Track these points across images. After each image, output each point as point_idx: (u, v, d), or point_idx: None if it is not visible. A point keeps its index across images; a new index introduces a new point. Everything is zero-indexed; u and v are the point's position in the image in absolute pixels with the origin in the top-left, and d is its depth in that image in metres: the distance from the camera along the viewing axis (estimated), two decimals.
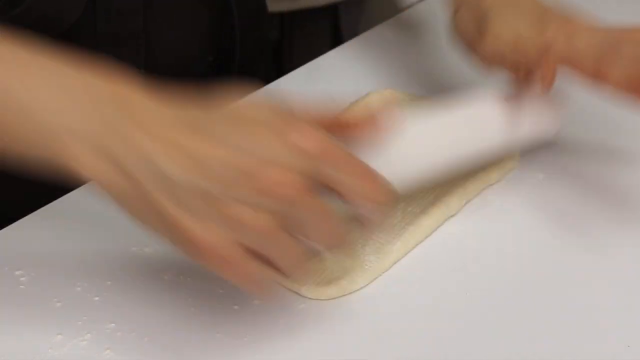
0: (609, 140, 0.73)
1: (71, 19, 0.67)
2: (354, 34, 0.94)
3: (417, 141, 0.58)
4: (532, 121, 0.64)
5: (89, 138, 0.46)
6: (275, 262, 0.47)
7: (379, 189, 0.49)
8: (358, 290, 0.57)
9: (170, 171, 0.44)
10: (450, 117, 0.62)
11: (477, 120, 0.62)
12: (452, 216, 0.63)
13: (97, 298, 0.56)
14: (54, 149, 0.46)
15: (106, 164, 0.46)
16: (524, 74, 0.64)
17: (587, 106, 0.77)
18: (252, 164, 0.44)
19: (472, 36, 0.67)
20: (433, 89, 0.79)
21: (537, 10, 0.65)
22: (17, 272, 0.58)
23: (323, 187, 0.47)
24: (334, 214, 0.47)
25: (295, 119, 0.47)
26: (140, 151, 0.45)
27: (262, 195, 0.44)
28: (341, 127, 0.52)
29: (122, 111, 0.46)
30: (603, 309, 0.56)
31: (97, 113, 0.46)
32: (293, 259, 0.48)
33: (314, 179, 0.46)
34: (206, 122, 0.46)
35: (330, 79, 0.83)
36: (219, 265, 0.46)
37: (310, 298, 0.56)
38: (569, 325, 0.55)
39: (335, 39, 1.00)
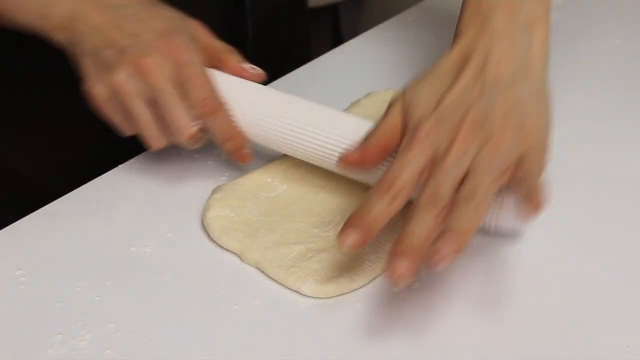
0: (609, 140, 0.73)
1: None
2: (354, 34, 0.94)
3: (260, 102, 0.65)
4: None
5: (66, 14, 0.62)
6: (165, 121, 0.62)
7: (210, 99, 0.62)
8: (358, 289, 0.57)
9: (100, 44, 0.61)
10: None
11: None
12: None
13: (97, 298, 0.56)
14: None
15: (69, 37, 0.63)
16: None
17: (587, 106, 0.77)
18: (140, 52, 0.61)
19: None
20: None
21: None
22: (17, 272, 0.58)
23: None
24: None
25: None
26: (93, 29, 0.62)
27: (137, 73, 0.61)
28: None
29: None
30: (603, 309, 0.56)
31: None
32: (176, 119, 0.62)
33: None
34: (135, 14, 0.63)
35: (330, 79, 0.83)
36: (98, 108, 0.63)
37: (310, 297, 0.56)
38: (569, 325, 0.55)
39: (335, 39, 1.00)
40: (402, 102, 0.57)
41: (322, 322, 0.55)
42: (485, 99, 0.54)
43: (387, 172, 0.53)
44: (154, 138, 0.63)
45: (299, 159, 0.68)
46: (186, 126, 0.62)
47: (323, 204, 0.64)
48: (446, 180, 0.52)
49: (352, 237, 0.51)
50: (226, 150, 0.65)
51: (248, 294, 0.57)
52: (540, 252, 0.61)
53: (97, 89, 0.62)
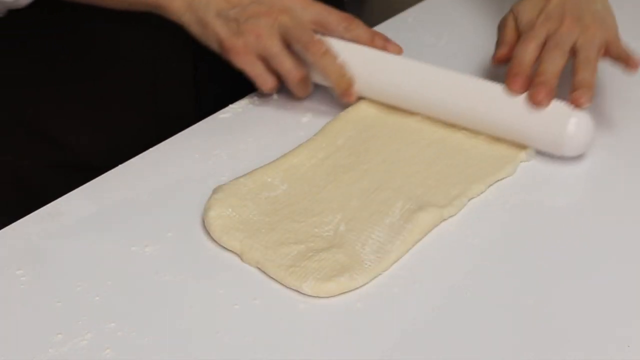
0: (609, 139, 0.73)
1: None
2: None
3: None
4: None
5: None
6: (282, 76, 0.73)
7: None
8: (358, 288, 0.57)
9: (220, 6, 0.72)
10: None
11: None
12: (452, 216, 0.63)
13: (97, 298, 0.56)
14: None
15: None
16: None
17: (589, 106, 0.77)
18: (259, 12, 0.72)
19: None
20: None
21: None
22: (17, 272, 0.58)
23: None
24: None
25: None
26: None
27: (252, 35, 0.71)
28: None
29: None
30: (603, 309, 0.56)
31: None
32: (291, 74, 0.72)
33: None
34: None
35: None
36: (236, 56, 0.72)
37: (310, 296, 0.56)
38: (570, 325, 0.55)
39: None
40: (512, 15, 0.76)
41: (321, 323, 0.55)
42: (576, 6, 0.73)
43: (516, 51, 0.72)
44: (293, 74, 0.72)
45: (299, 159, 0.68)
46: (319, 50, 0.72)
47: (323, 204, 0.64)
48: (563, 39, 0.71)
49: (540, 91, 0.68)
50: (338, 88, 0.73)
51: (248, 294, 0.57)
52: (540, 252, 0.61)
53: (239, 42, 0.71)
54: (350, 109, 0.75)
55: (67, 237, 0.62)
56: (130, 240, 0.61)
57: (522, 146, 0.69)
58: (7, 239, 0.62)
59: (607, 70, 0.77)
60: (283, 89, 0.76)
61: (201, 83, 0.82)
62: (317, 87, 0.77)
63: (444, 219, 0.63)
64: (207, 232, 0.61)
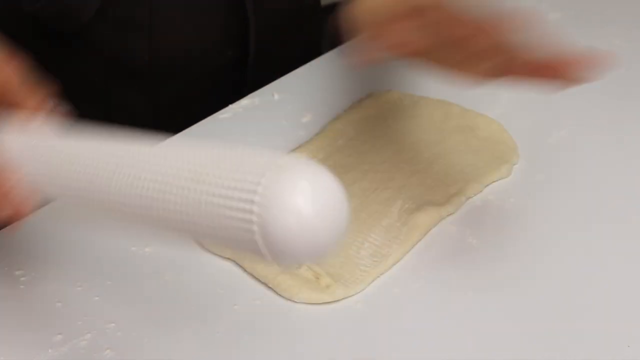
0: (609, 139, 0.73)
1: (92, 9, 0.72)
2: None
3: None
4: None
5: None
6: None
7: None
8: (357, 293, 0.57)
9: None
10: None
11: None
12: (450, 215, 0.63)
13: (97, 298, 0.56)
14: None
15: None
16: None
17: (587, 106, 0.77)
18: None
19: None
20: (433, 89, 0.79)
21: None
22: (17, 272, 0.58)
23: None
24: None
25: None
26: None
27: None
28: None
29: None
30: (603, 309, 0.56)
31: None
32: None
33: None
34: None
35: (330, 79, 0.83)
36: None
37: (306, 303, 0.56)
38: (570, 325, 0.55)
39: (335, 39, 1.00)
40: None
41: (322, 322, 0.55)
42: None
43: None
44: None
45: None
46: None
47: None
48: None
49: None
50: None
51: (248, 294, 0.57)
52: (540, 252, 0.61)
53: None
54: (350, 109, 0.75)
55: (67, 237, 0.62)
56: (130, 240, 0.61)
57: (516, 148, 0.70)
58: (7, 239, 0.62)
59: None
60: (283, 88, 0.76)
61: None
62: (317, 86, 0.77)
63: (443, 218, 0.63)
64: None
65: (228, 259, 0.60)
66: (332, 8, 1.07)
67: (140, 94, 0.81)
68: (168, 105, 0.83)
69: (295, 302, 0.56)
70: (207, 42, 0.81)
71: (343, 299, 0.56)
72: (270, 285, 0.57)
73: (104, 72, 0.79)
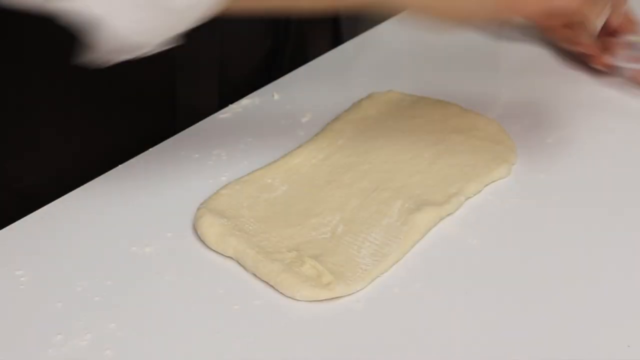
0: (609, 139, 0.73)
1: None
2: (354, 34, 0.94)
3: None
4: None
5: None
6: None
7: None
8: (356, 292, 0.57)
9: None
10: None
11: None
12: (450, 214, 0.63)
13: (97, 298, 0.56)
14: None
15: None
16: None
17: (588, 106, 0.77)
18: None
19: None
20: (433, 89, 0.79)
21: None
22: (17, 272, 0.58)
23: None
24: None
25: None
26: None
27: None
28: None
29: None
30: (603, 309, 0.56)
31: None
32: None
33: None
34: None
35: (330, 79, 0.83)
36: None
37: (306, 301, 0.56)
38: (569, 325, 0.55)
39: (335, 39, 1.00)
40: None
41: (322, 322, 0.55)
42: None
43: None
44: None
45: (299, 159, 0.68)
46: None
47: (323, 204, 0.64)
48: None
49: None
50: None
51: (248, 294, 0.57)
52: (540, 252, 0.61)
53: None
54: (350, 109, 0.75)
55: (67, 237, 0.62)
56: (130, 240, 0.61)
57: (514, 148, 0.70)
58: (7, 239, 0.62)
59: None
60: (283, 88, 0.76)
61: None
62: (317, 87, 0.77)
63: (442, 218, 0.63)
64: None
65: (229, 258, 0.60)
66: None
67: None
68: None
69: (296, 300, 0.56)
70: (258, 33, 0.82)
71: (343, 297, 0.57)
72: (272, 284, 0.57)
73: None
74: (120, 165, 0.69)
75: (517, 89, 0.80)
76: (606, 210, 0.65)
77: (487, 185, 0.67)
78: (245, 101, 0.77)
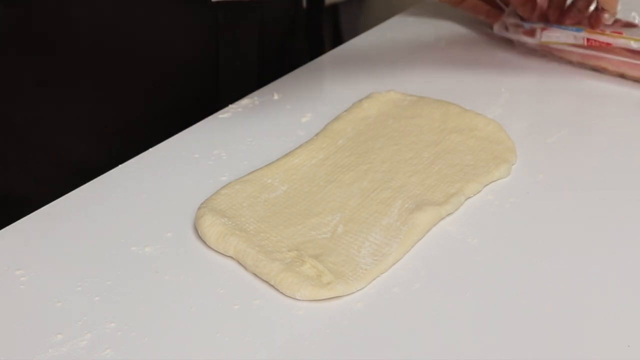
0: (609, 139, 0.73)
1: None
2: (354, 34, 0.94)
3: None
4: None
5: None
6: None
7: None
8: (356, 292, 0.57)
9: None
10: None
11: None
12: (450, 214, 0.64)
13: (97, 298, 0.56)
14: None
15: None
16: None
17: (587, 105, 0.77)
18: None
19: None
20: (433, 89, 0.79)
21: None
22: (17, 272, 0.58)
23: None
24: None
25: None
26: None
27: None
28: None
29: None
30: (603, 309, 0.56)
31: None
32: None
33: None
34: None
35: (330, 79, 0.83)
36: None
37: (306, 300, 0.56)
38: (569, 325, 0.55)
39: (335, 39, 1.01)
40: None
41: (322, 322, 0.55)
42: None
43: None
44: None
45: (299, 159, 0.68)
46: None
47: (323, 204, 0.64)
48: None
49: None
50: None
51: (248, 294, 0.57)
52: (540, 252, 0.61)
53: None
54: (351, 109, 0.75)
55: (67, 237, 0.62)
56: (130, 240, 0.61)
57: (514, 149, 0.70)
58: (7, 239, 0.62)
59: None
60: (283, 88, 0.76)
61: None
62: (317, 87, 0.77)
63: (442, 218, 0.63)
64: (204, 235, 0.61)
65: (229, 257, 0.60)
66: (333, 8, 1.07)
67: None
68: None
69: (296, 300, 0.56)
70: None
71: (343, 296, 0.57)
72: (272, 283, 0.57)
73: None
74: (120, 165, 0.69)
75: (517, 89, 0.80)
76: (606, 210, 0.65)
77: (487, 185, 0.67)
78: (245, 101, 0.77)
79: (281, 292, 0.57)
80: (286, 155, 0.69)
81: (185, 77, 0.81)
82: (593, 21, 0.81)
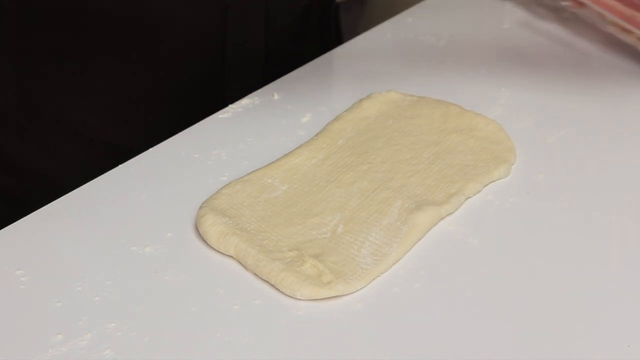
0: (609, 139, 0.73)
1: None
2: (354, 34, 0.94)
3: None
4: None
5: None
6: None
7: None
8: (356, 292, 0.57)
9: None
10: None
11: None
12: (450, 214, 0.64)
13: (97, 298, 0.56)
14: None
15: None
16: None
17: (587, 105, 0.77)
18: None
19: None
20: (433, 89, 0.79)
21: None
22: (17, 272, 0.58)
23: None
24: None
25: None
26: None
27: None
28: None
29: None
30: (603, 309, 0.56)
31: None
32: None
33: None
34: None
35: (331, 79, 0.83)
36: None
37: (307, 300, 0.56)
38: (569, 325, 0.55)
39: (335, 39, 1.00)
40: None
41: (322, 322, 0.55)
42: None
43: None
44: None
45: (300, 159, 0.68)
46: None
47: (323, 204, 0.64)
48: None
49: None
50: None
51: (248, 294, 0.57)
52: (539, 252, 0.61)
53: None
54: (351, 109, 0.75)
55: (67, 237, 0.62)
56: (130, 240, 0.61)
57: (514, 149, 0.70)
58: (7, 239, 0.62)
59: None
60: (283, 88, 0.76)
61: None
62: (317, 87, 0.77)
63: (442, 218, 0.63)
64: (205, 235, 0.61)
65: (229, 257, 0.60)
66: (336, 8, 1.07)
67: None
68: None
69: (297, 299, 0.56)
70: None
71: (343, 296, 0.57)
72: (272, 283, 0.57)
73: None
74: (120, 165, 0.69)
75: (517, 89, 0.80)
76: (606, 210, 0.65)
77: (487, 185, 0.67)
78: (245, 101, 0.77)
79: (281, 292, 0.57)
80: (286, 155, 0.69)
81: (193, 54, 0.81)
82: None
